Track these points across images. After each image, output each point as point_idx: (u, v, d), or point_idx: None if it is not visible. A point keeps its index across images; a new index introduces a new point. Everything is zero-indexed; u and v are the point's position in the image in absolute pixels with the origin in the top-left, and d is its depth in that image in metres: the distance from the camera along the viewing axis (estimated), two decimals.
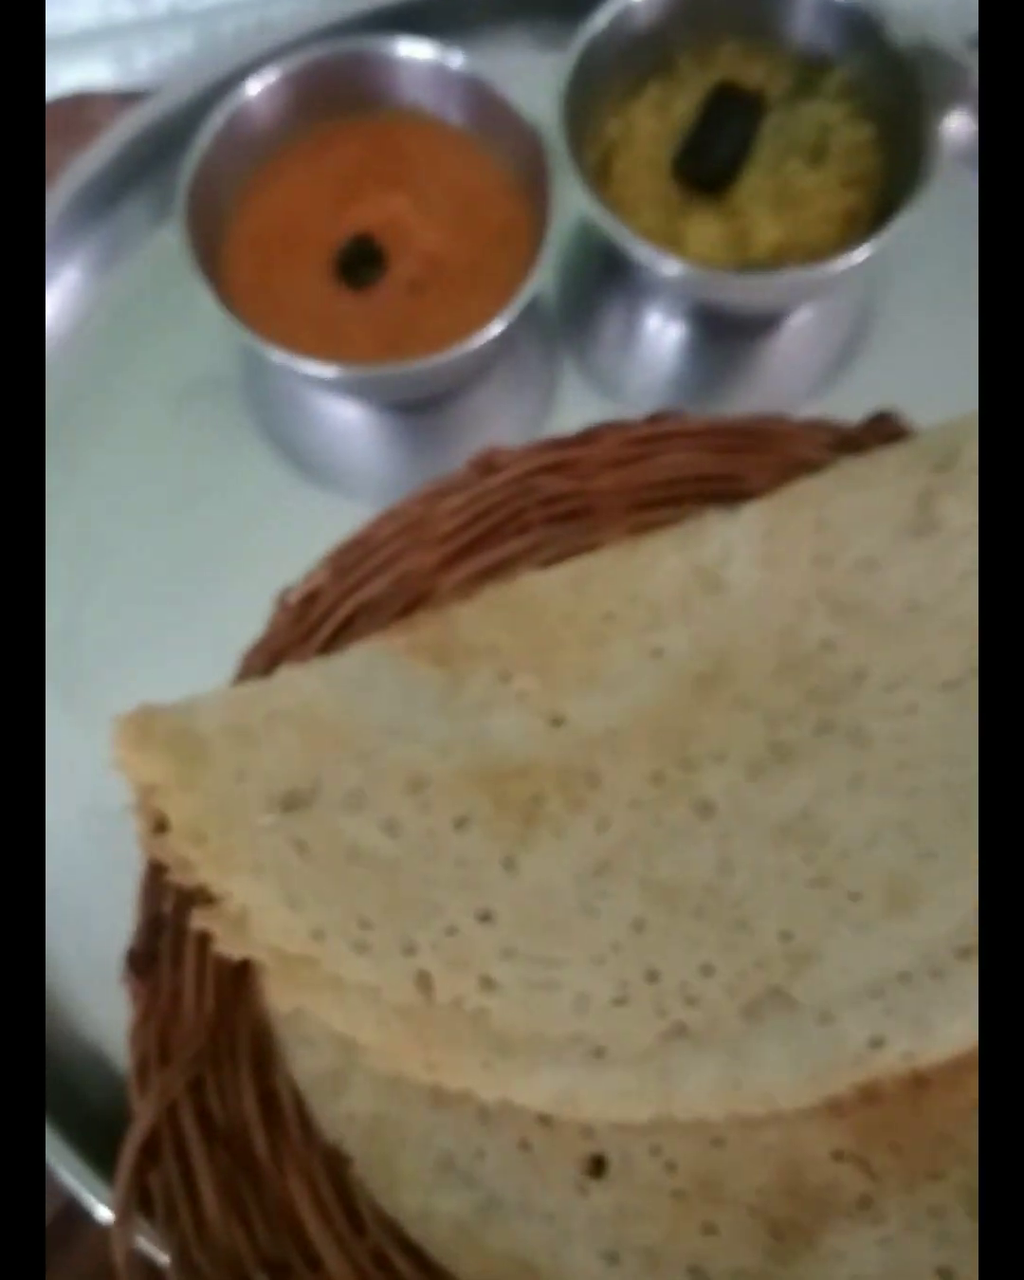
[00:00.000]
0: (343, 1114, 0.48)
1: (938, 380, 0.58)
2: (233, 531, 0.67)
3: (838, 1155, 0.46)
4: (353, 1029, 0.46)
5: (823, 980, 0.45)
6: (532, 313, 0.67)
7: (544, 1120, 0.46)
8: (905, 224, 0.61)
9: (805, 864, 0.47)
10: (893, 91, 0.64)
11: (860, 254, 0.60)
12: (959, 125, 0.71)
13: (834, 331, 0.71)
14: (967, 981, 0.44)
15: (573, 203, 0.63)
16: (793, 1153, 0.46)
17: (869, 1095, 0.45)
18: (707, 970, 0.45)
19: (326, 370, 0.61)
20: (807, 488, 0.54)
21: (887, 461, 0.54)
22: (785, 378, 0.71)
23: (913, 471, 0.53)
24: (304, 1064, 0.49)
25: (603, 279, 0.71)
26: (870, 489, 0.54)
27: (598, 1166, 0.46)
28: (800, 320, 0.70)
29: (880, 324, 0.70)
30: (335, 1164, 0.47)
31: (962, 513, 0.52)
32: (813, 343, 0.71)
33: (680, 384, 0.71)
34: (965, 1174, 0.45)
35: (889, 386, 0.60)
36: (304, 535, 0.58)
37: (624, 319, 0.71)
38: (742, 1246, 0.45)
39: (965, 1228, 0.45)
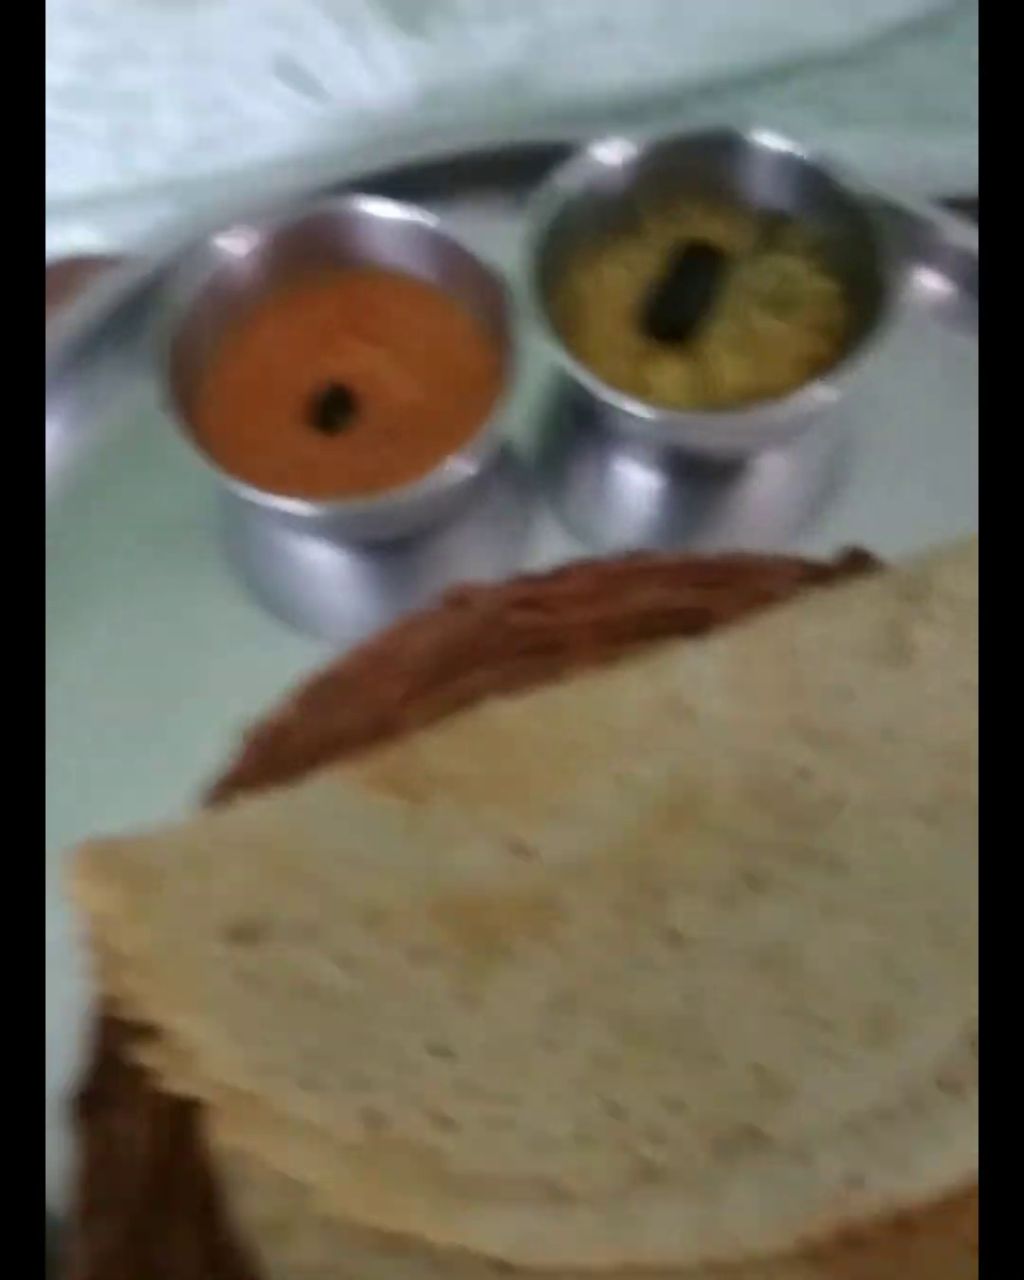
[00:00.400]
0: (290, 1263, 0.44)
1: (908, 522, 0.58)
2: (204, 671, 0.66)
3: None
4: (299, 1170, 0.43)
5: (798, 1116, 0.42)
6: (505, 460, 0.68)
7: (502, 1268, 0.43)
8: (869, 370, 0.62)
9: (779, 994, 0.44)
10: (855, 245, 0.65)
11: (823, 393, 0.61)
12: (928, 279, 0.73)
13: (804, 476, 0.71)
14: (950, 1115, 0.41)
15: (546, 355, 0.64)
16: None
17: (851, 1240, 0.42)
18: (675, 1106, 0.42)
19: (300, 507, 0.61)
20: (777, 618, 0.53)
21: (857, 592, 0.54)
22: (756, 521, 0.71)
23: (883, 601, 0.53)
24: (250, 1210, 0.45)
25: (575, 428, 0.72)
26: (841, 618, 0.53)
27: None
28: (771, 465, 0.71)
29: (849, 469, 0.70)
30: None
31: (933, 641, 0.51)
32: (783, 487, 0.71)
33: (652, 527, 0.71)
34: None
35: (859, 529, 0.60)
36: (275, 674, 0.57)
37: (596, 466, 0.71)
38: None
39: None
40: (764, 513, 0.71)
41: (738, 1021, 0.44)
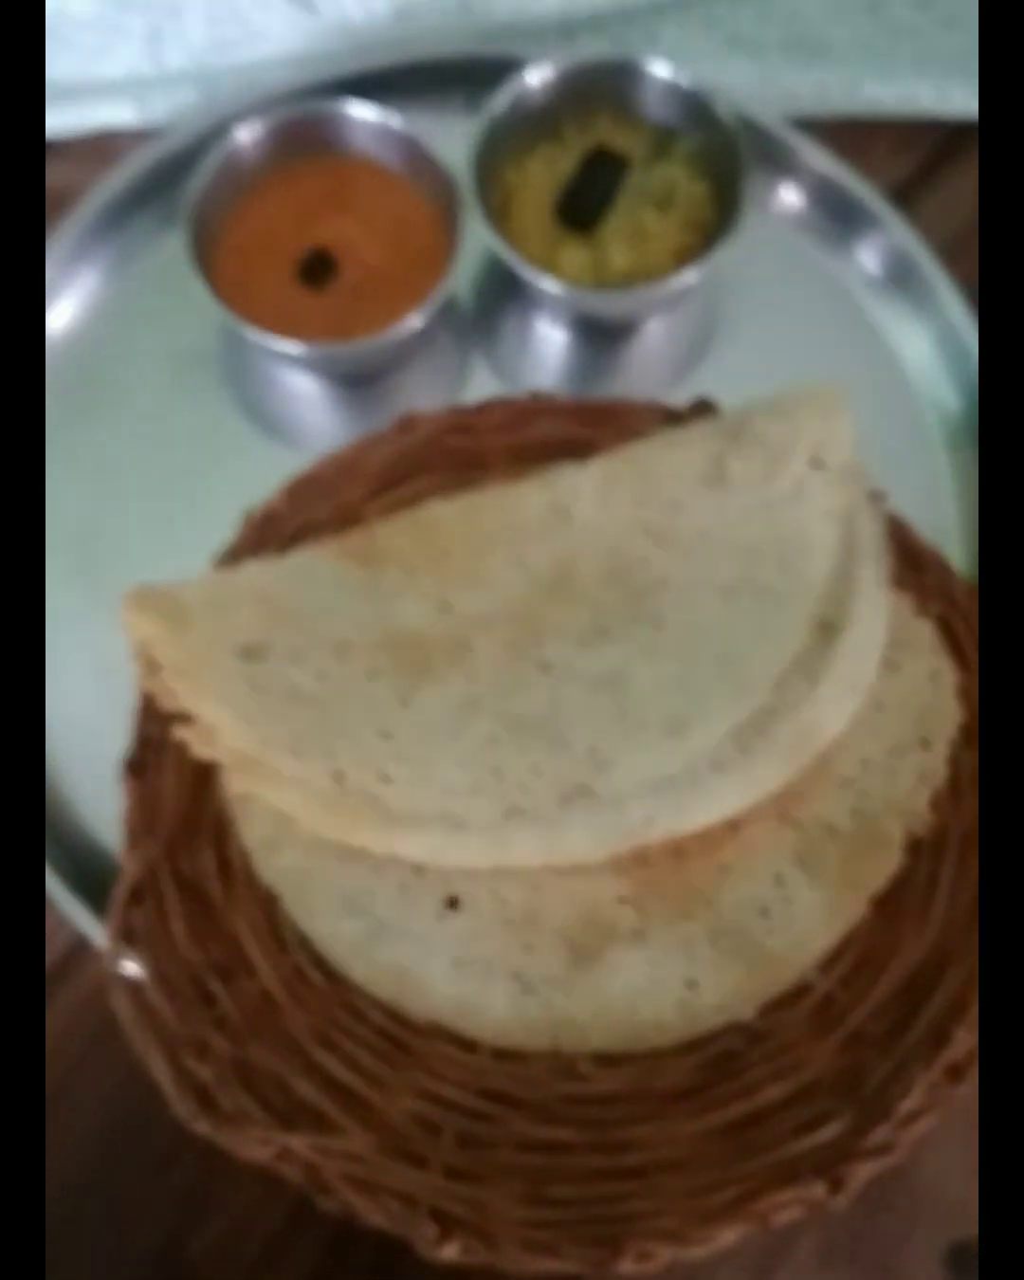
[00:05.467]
0: (277, 867, 0.58)
1: (755, 382, 0.66)
2: (212, 472, 0.78)
3: (620, 900, 0.57)
4: (287, 807, 0.57)
5: (616, 780, 0.55)
6: (449, 317, 0.80)
7: (417, 870, 0.57)
8: (731, 261, 0.75)
9: (611, 703, 0.57)
10: (724, 157, 0.76)
11: (688, 277, 0.73)
12: (787, 193, 0.86)
13: (679, 341, 0.83)
14: (717, 783, 0.56)
15: (483, 235, 0.75)
16: (589, 897, 0.57)
17: (641, 858, 0.58)
18: (536, 771, 0.55)
19: (290, 347, 0.73)
20: (636, 448, 0.63)
21: (694, 430, 0.64)
22: (639, 375, 0.83)
23: (711, 438, 0.63)
24: (251, 832, 0.59)
25: (504, 295, 0.83)
26: (680, 450, 0.63)
27: (453, 903, 0.57)
28: (653, 331, 0.83)
29: (713, 339, 0.83)
30: (269, 904, 0.58)
31: (744, 470, 0.62)
32: (662, 349, 0.83)
33: (559, 375, 0.83)
34: (710, 917, 0.57)
35: (716, 385, 0.69)
36: (267, 475, 0.67)
37: (519, 326, 0.83)
38: (550, 959, 0.56)
39: (707, 953, 0.57)
40: (645, 369, 0.83)
41: (582, 720, 0.57)
